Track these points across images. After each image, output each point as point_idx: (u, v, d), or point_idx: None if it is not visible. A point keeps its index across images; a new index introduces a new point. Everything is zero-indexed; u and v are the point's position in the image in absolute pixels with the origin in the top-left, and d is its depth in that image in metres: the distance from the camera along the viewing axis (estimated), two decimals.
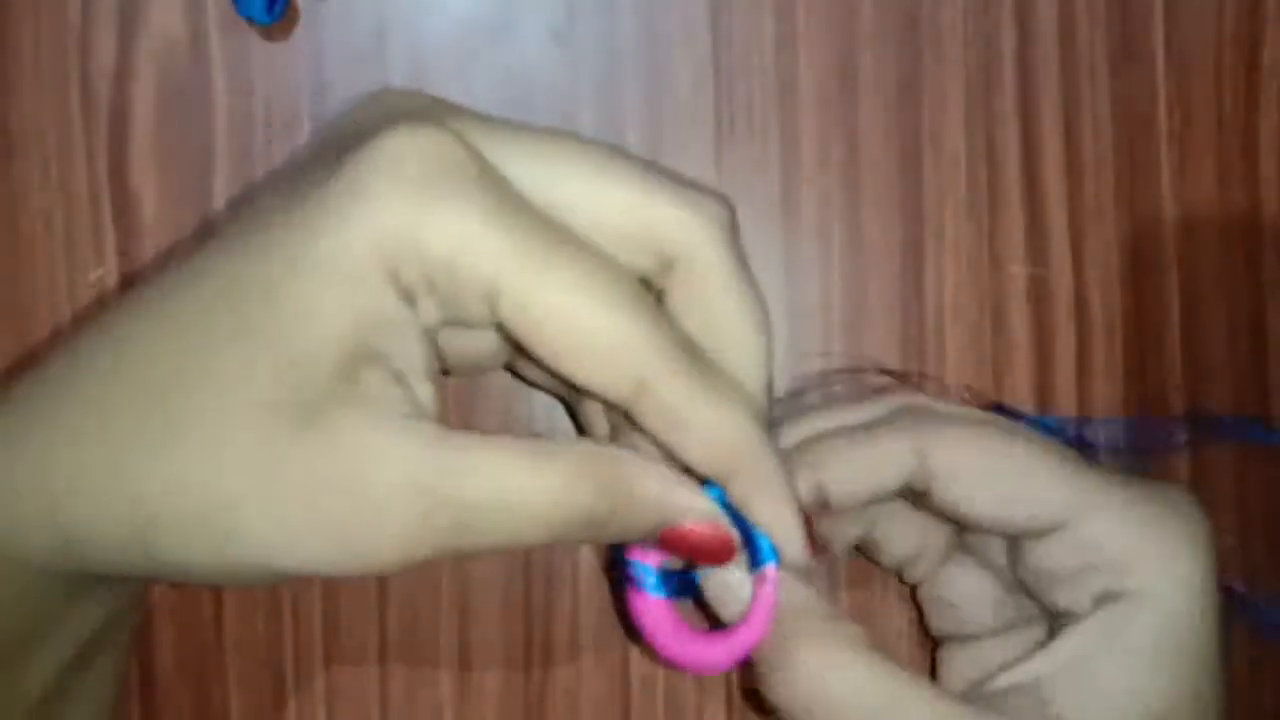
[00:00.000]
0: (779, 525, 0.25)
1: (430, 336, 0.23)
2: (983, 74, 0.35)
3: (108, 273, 0.33)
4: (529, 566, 0.34)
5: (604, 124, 0.34)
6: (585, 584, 0.34)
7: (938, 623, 0.32)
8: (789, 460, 0.27)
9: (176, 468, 0.21)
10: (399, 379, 0.22)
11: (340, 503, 0.21)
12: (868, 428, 0.28)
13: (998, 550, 0.29)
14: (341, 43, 0.34)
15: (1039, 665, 0.27)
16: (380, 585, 0.34)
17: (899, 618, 0.34)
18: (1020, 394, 0.34)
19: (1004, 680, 0.27)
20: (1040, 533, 0.27)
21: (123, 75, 0.33)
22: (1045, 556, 0.27)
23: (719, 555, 0.25)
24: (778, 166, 0.34)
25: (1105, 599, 0.26)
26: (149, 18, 0.34)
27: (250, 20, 0.33)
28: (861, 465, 0.27)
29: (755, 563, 0.26)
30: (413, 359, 0.23)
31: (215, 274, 0.23)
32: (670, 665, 0.27)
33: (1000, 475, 0.27)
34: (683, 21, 0.34)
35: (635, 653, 0.34)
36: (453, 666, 0.34)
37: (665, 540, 0.25)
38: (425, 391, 0.23)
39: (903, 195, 0.34)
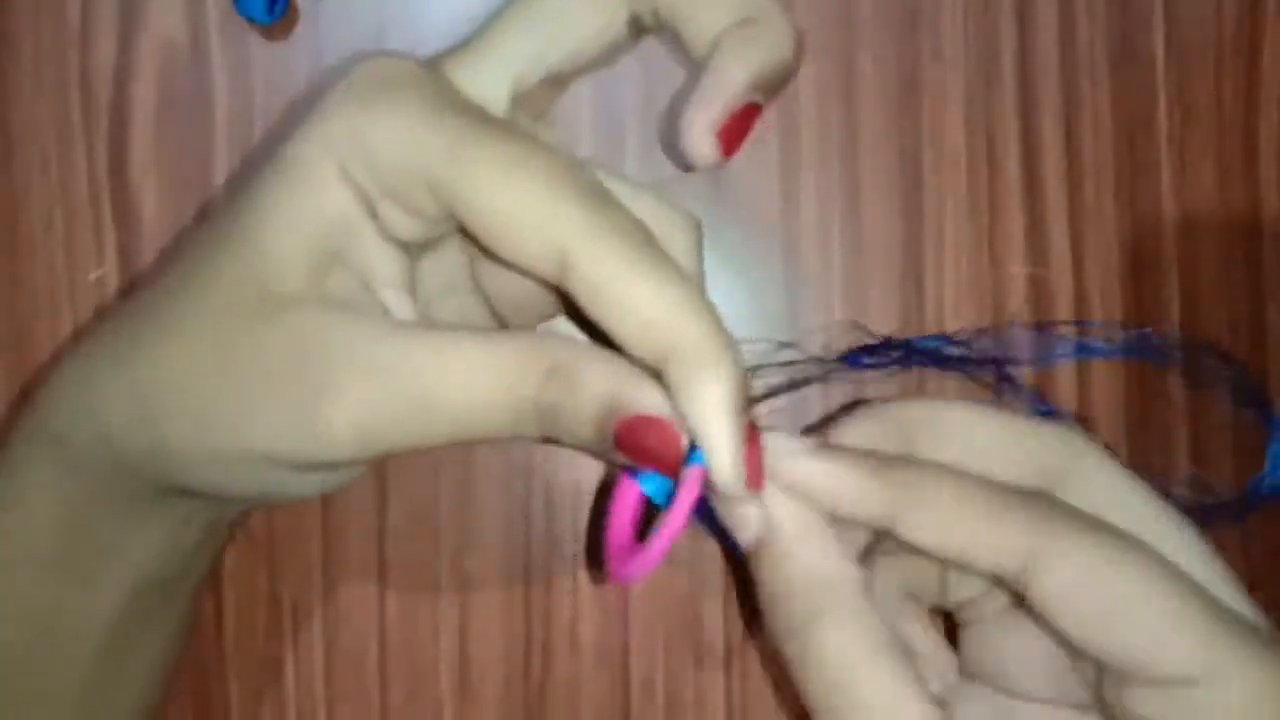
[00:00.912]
0: (707, 427, 0.22)
1: (403, 249, 0.24)
2: (983, 74, 0.35)
3: (108, 273, 0.34)
4: (529, 568, 0.34)
5: (603, 123, 0.34)
6: (585, 584, 0.34)
7: (973, 666, 0.27)
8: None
9: (164, 367, 0.24)
10: (365, 285, 0.24)
11: (298, 387, 0.23)
12: (994, 492, 0.23)
13: None
14: (341, 43, 0.34)
15: None
16: (380, 585, 0.34)
17: None
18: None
19: None
20: (1158, 683, 0.22)
21: (123, 76, 0.34)
22: (1147, 703, 0.23)
23: (663, 455, 0.22)
24: (777, 166, 0.34)
25: None
26: (149, 18, 0.34)
27: (251, 20, 0.33)
28: (959, 531, 0.23)
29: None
30: (379, 267, 0.24)
31: (220, 209, 0.25)
32: (609, 565, 0.24)
33: (1129, 612, 0.22)
34: None
35: (635, 653, 0.34)
36: (452, 667, 0.34)
37: (618, 438, 0.22)
38: (398, 302, 0.24)
39: (903, 195, 0.34)
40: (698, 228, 0.26)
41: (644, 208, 0.25)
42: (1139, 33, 0.35)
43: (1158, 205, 0.35)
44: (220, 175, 0.34)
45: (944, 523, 0.23)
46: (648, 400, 0.22)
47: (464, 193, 0.22)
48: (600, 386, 0.22)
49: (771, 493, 0.23)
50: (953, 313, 0.34)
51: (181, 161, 0.34)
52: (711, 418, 0.22)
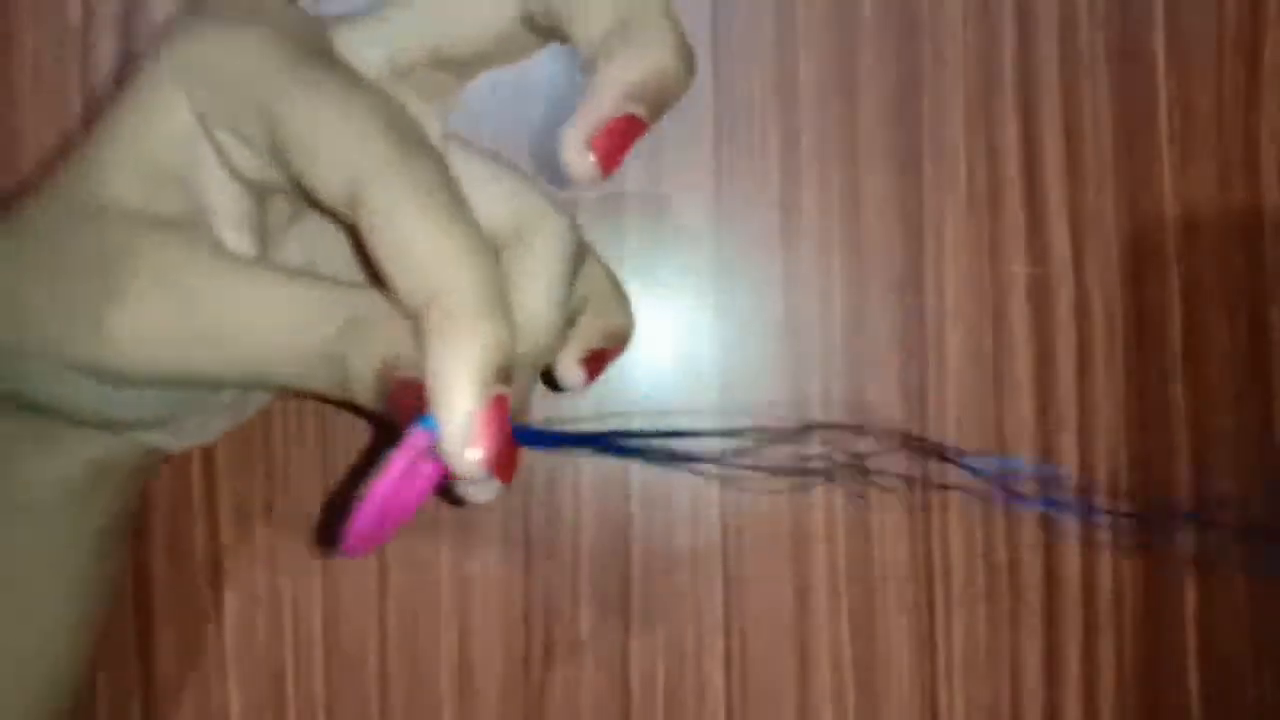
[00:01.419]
0: (441, 381, 0.21)
1: (249, 189, 0.24)
2: (983, 74, 0.35)
3: None
4: (528, 568, 0.34)
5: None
6: (585, 585, 0.34)
7: None
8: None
9: (3, 269, 0.24)
10: (202, 216, 0.24)
11: (96, 289, 0.23)
12: None
13: None
14: None
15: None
16: (380, 586, 0.34)
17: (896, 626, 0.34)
18: (1021, 394, 0.34)
19: None
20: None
21: (124, 77, 0.34)
22: None
23: (413, 406, 0.21)
24: (777, 167, 0.34)
25: None
26: (150, 19, 0.34)
27: None
28: None
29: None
30: (221, 201, 0.24)
31: None
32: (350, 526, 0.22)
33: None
34: (682, 21, 0.34)
35: (635, 653, 0.34)
36: (452, 668, 0.34)
37: (390, 398, 0.22)
38: (236, 240, 0.24)
39: (903, 195, 0.34)
40: (569, 234, 0.26)
41: (510, 197, 0.25)
42: (1139, 32, 0.35)
43: (1159, 205, 0.35)
44: None
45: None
46: (408, 354, 0.21)
47: (280, 117, 0.22)
48: (388, 342, 0.22)
49: None
50: (953, 313, 0.34)
51: None
52: (450, 373, 0.21)
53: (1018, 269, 0.35)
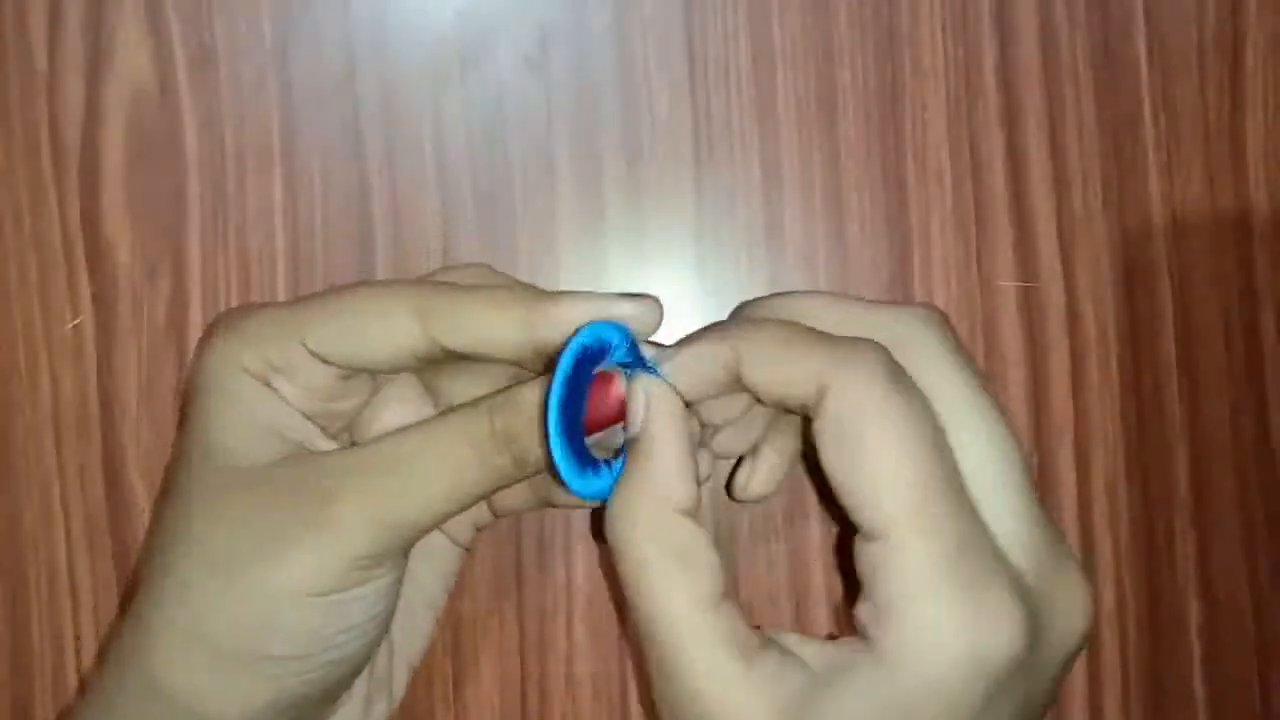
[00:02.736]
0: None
1: (298, 403, 0.28)
2: (964, 85, 0.34)
3: (84, 321, 0.33)
4: (521, 604, 0.33)
5: (580, 151, 0.34)
6: (579, 619, 0.33)
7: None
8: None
9: (174, 599, 0.27)
10: (300, 445, 0.28)
11: (302, 510, 0.26)
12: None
13: None
14: (311, 78, 0.33)
15: (766, 662, 0.24)
16: None
17: None
18: (1015, 408, 0.34)
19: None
20: (865, 533, 0.25)
21: (92, 121, 0.33)
22: (857, 555, 0.25)
23: (606, 405, 0.26)
24: (759, 188, 0.34)
25: (862, 633, 0.24)
26: (116, 62, 0.33)
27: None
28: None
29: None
30: (301, 428, 0.28)
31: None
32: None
33: (863, 455, 0.25)
34: (658, 43, 0.34)
35: (633, 686, 0.33)
36: (447, 708, 0.33)
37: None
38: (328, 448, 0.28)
39: (887, 212, 0.34)
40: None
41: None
42: (1121, 37, 0.35)
43: (1147, 210, 0.35)
44: (193, 219, 0.33)
45: (765, 360, 0.26)
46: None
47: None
48: (533, 390, 0.26)
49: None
50: None
51: (154, 205, 0.33)
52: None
53: (1008, 282, 0.34)
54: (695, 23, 0.34)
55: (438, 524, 0.26)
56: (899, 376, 0.25)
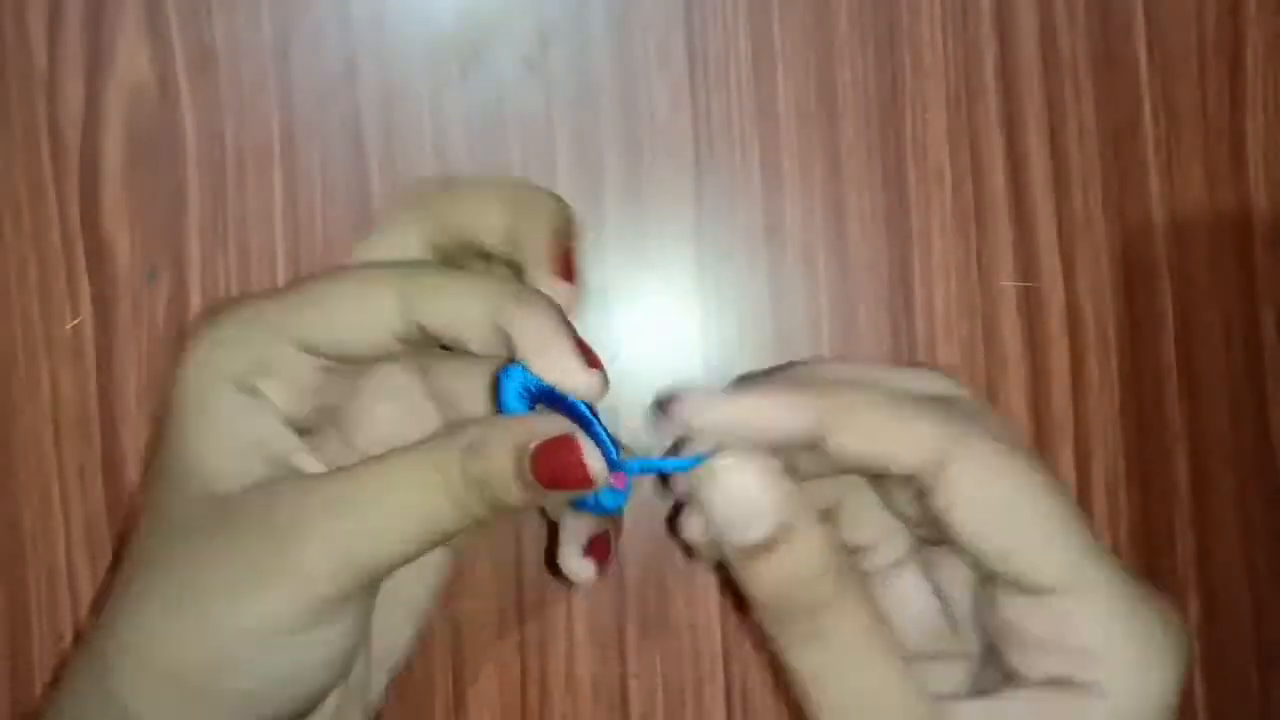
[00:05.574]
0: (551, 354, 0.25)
1: (283, 403, 0.28)
2: (964, 86, 0.34)
3: (84, 321, 0.33)
4: (521, 606, 0.33)
5: (579, 152, 0.34)
6: (579, 620, 0.33)
7: None
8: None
9: (140, 616, 0.27)
10: (279, 462, 0.27)
11: (264, 547, 0.26)
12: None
13: (954, 580, 0.28)
14: (311, 78, 0.33)
15: (965, 713, 0.25)
16: None
17: None
18: (1016, 409, 0.34)
19: None
20: (1030, 590, 0.25)
21: (91, 121, 0.33)
22: (1018, 612, 0.26)
23: (576, 471, 0.24)
24: (759, 188, 0.34)
25: (1062, 681, 0.25)
26: (116, 62, 0.33)
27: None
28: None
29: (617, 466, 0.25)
30: (281, 440, 0.27)
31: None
32: None
33: (1017, 517, 0.25)
34: (657, 44, 0.34)
35: (633, 687, 0.33)
36: (447, 708, 0.33)
37: (536, 473, 0.24)
38: (310, 463, 0.27)
39: (888, 213, 0.34)
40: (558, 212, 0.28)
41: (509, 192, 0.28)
42: (1120, 38, 0.35)
43: (1147, 211, 0.35)
44: (193, 219, 0.33)
45: (869, 428, 0.25)
46: (544, 426, 0.25)
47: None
48: (507, 437, 0.25)
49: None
50: (943, 330, 0.34)
51: (153, 206, 0.33)
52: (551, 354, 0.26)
53: (1008, 283, 0.34)
54: (695, 23, 0.34)
55: (409, 562, 0.26)
56: (1014, 439, 0.26)
